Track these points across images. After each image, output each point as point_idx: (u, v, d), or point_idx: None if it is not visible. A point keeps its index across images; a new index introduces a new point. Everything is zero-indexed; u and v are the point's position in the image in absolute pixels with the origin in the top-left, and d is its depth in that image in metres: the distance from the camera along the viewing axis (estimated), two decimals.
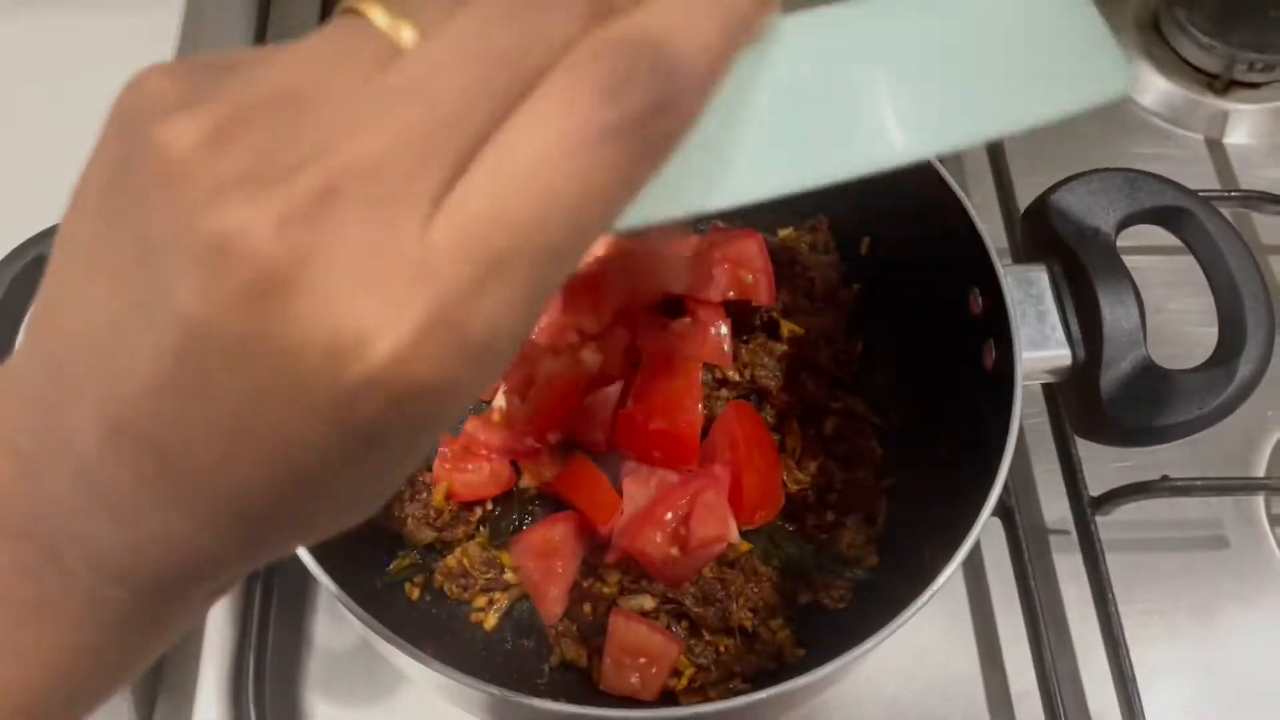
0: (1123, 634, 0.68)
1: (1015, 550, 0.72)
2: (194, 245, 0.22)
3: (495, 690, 0.51)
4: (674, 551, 0.67)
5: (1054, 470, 0.77)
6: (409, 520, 0.70)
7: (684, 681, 0.66)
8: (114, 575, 0.27)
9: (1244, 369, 0.59)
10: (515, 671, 0.67)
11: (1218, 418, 0.59)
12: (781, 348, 0.75)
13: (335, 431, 0.23)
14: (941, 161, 0.65)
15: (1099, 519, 0.73)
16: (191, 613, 0.31)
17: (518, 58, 0.23)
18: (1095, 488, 0.74)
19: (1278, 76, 0.97)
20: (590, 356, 0.72)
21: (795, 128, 0.27)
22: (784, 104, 0.27)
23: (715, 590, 0.68)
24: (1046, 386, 0.78)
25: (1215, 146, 0.96)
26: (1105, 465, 0.78)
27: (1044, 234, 0.64)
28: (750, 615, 0.68)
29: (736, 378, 0.75)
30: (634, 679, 0.64)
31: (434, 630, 0.68)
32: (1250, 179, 0.94)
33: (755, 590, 0.69)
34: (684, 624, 0.68)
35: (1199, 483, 0.74)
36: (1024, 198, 0.70)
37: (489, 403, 0.74)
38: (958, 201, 0.63)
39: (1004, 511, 0.73)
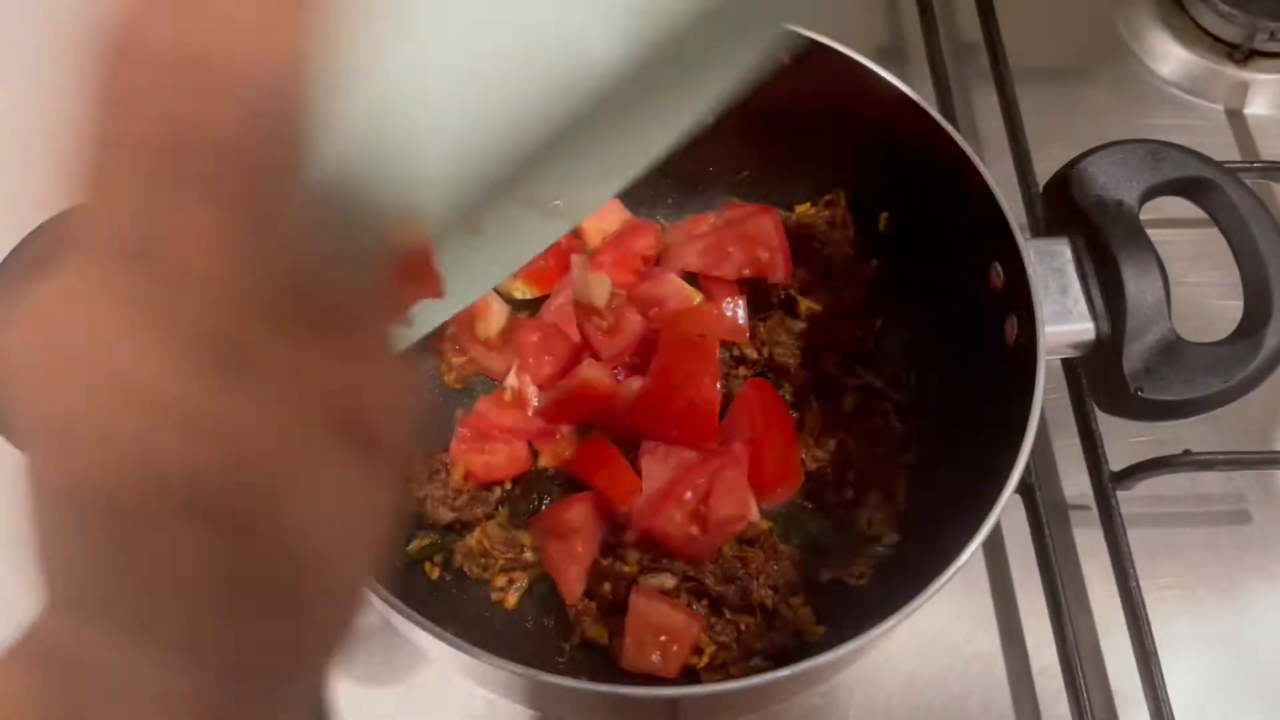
0: (1144, 609, 0.68)
1: (1036, 526, 0.72)
2: None
3: (518, 668, 0.51)
4: (694, 530, 0.66)
5: (1074, 446, 0.77)
6: (428, 501, 0.70)
7: (705, 659, 0.66)
8: None
9: (1270, 341, 0.58)
10: (536, 650, 0.67)
11: (1244, 391, 0.58)
12: (800, 325, 0.74)
13: None
14: (959, 134, 0.64)
15: (1120, 494, 0.73)
16: None
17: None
18: (1116, 463, 0.74)
19: None
20: (631, 386, 0.71)
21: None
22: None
23: (735, 568, 0.68)
24: (1066, 362, 0.78)
25: (1236, 117, 0.95)
26: (1126, 440, 0.77)
27: (1066, 207, 0.63)
28: (771, 593, 0.68)
29: (754, 355, 0.74)
30: (655, 657, 0.64)
31: (454, 610, 0.68)
32: (1272, 150, 0.93)
33: (775, 568, 0.69)
34: (705, 602, 0.68)
35: (1220, 457, 0.73)
36: (1042, 172, 0.69)
37: (501, 382, 0.74)
38: (978, 173, 0.62)
39: (1024, 488, 0.72)
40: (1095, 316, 0.61)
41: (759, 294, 0.76)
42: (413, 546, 0.69)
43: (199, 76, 0.23)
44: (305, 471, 0.25)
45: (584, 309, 0.72)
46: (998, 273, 0.63)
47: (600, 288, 0.72)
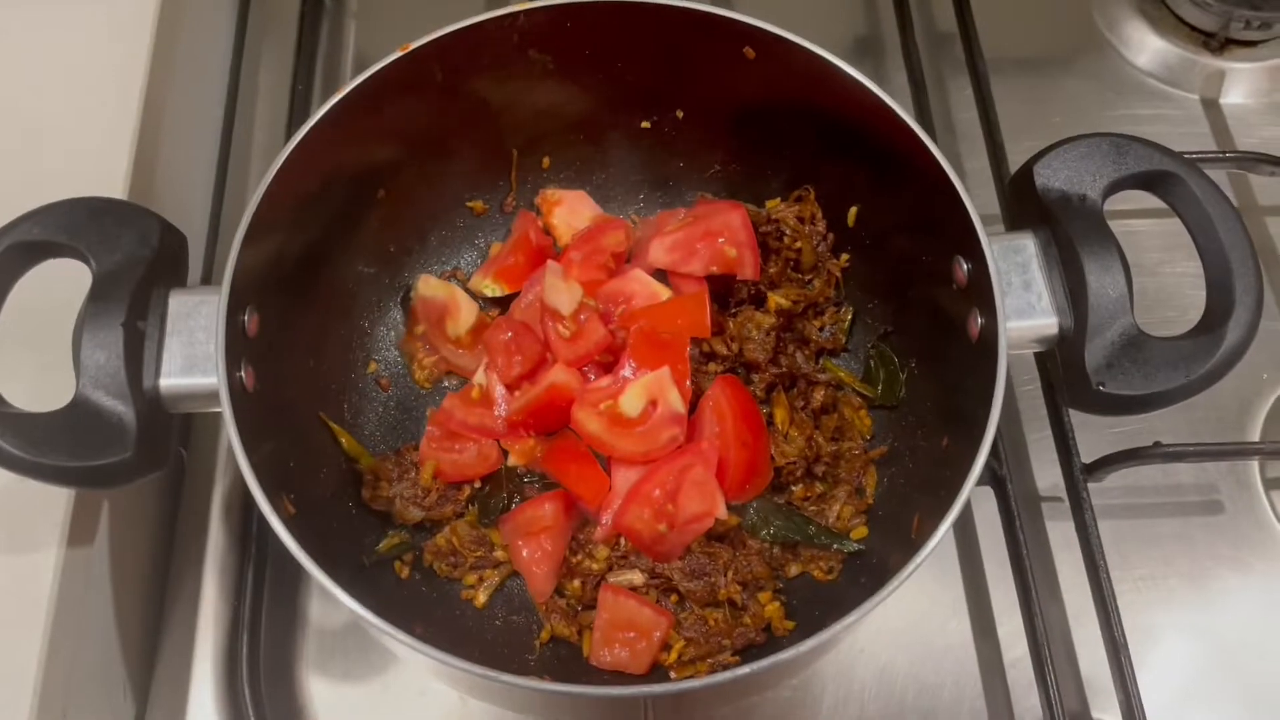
0: (1114, 600, 0.68)
1: (1007, 519, 0.72)
2: None
3: (482, 670, 0.51)
4: (662, 528, 0.67)
5: (1046, 437, 0.77)
6: (397, 500, 0.70)
7: (674, 655, 0.66)
8: None
9: (1232, 335, 0.58)
10: (506, 647, 0.67)
11: (1205, 385, 0.58)
12: (769, 320, 0.74)
13: None
14: (930, 130, 0.64)
15: (1092, 486, 0.73)
16: None
17: None
18: (1088, 455, 0.74)
19: (1275, 34, 0.95)
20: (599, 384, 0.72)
21: None
22: None
23: (704, 564, 0.68)
24: (1039, 355, 0.78)
25: (1212, 107, 0.95)
26: (1098, 432, 0.77)
27: (1030, 202, 0.63)
28: (739, 589, 0.68)
29: (725, 351, 0.74)
30: (624, 653, 0.65)
31: (424, 608, 0.68)
32: (1247, 139, 0.93)
33: (744, 564, 0.69)
34: (673, 598, 0.69)
35: (1192, 448, 0.73)
36: (1017, 164, 0.69)
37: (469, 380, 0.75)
38: (942, 169, 0.62)
39: (996, 480, 0.73)
40: (1058, 311, 0.61)
41: (728, 289, 0.76)
42: (383, 545, 0.69)
43: None
44: None
45: (550, 312, 0.72)
46: (962, 267, 0.63)
47: (570, 296, 0.72)
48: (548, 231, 0.79)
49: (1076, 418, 0.75)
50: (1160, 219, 0.83)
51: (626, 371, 0.70)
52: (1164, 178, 0.62)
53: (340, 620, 0.73)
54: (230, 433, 0.55)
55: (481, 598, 0.69)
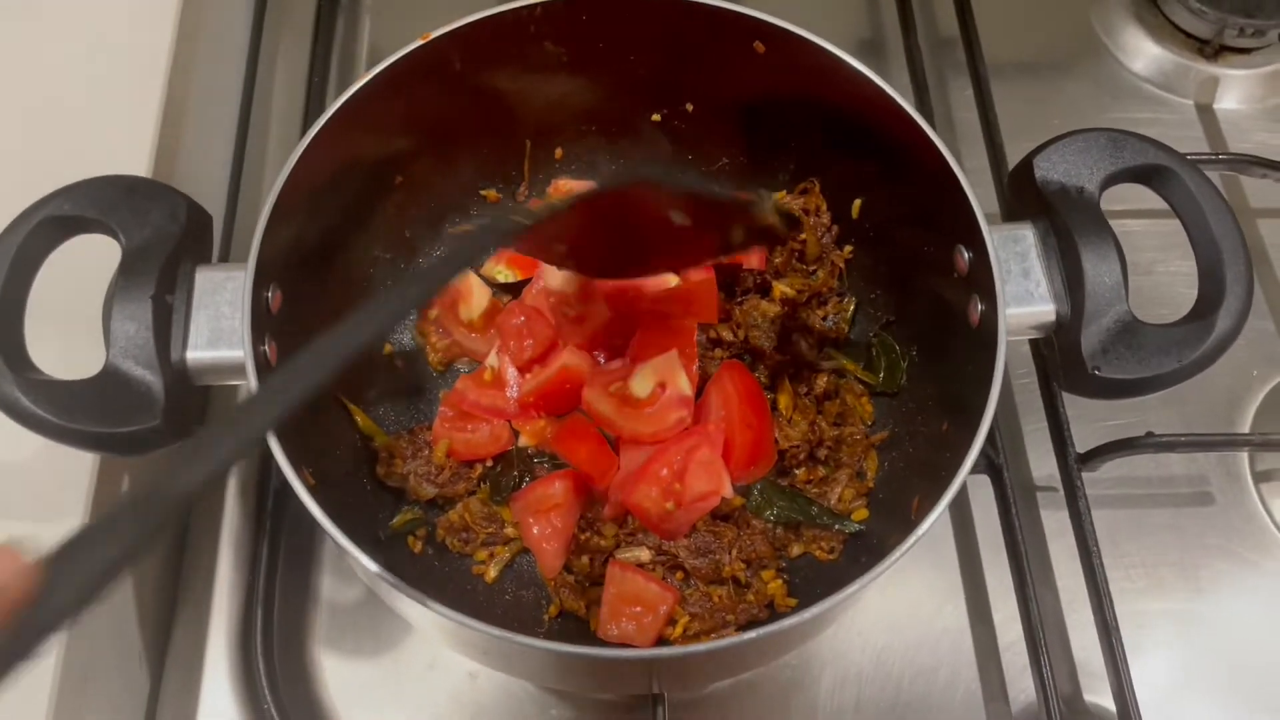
0: (1107, 586, 0.70)
1: (1003, 506, 0.74)
2: None
3: (498, 632, 0.53)
4: (669, 506, 0.68)
5: (1042, 428, 0.79)
6: (410, 477, 0.72)
7: (679, 630, 0.67)
8: None
9: (1223, 322, 0.60)
10: (515, 621, 0.69)
11: (1196, 370, 0.60)
12: (775, 309, 0.76)
13: None
14: (932, 125, 0.66)
15: (1086, 475, 0.75)
16: None
17: None
18: (1082, 445, 0.76)
19: (1268, 41, 0.97)
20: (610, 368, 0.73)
21: None
22: None
23: (709, 543, 0.70)
24: (1035, 346, 0.80)
25: (1205, 112, 0.97)
26: (1093, 424, 0.79)
27: (1030, 194, 0.65)
28: (743, 566, 0.70)
29: (730, 338, 0.76)
30: (630, 626, 0.66)
31: (437, 582, 0.70)
32: (1240, 144, 0.95)
33: (748, 543, 0.71)
34: (679, 575, 0.70)
35: (1183, 439, 0.76)
36: (1015, 161, 0.71)
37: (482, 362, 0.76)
38: (945, 162, 0.64)
39: (992, 469, 0.75)
40: (1056, 298, 0.62)
41: (734, 278, 0.78)
42: (397, 520, 0.71)
43: None
44: None
45: (556, 294, 0.74)
46: (963, 256, 0.65)
47: (569, 277, 0.74)
48: None
49: (1071, 409, 0.77)
50: (1153, 219, 0.86)
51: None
52: (1159, 171, 0.64)
53: (352, 597, 0.75)
54: None
55: (492, 573, 0.71)
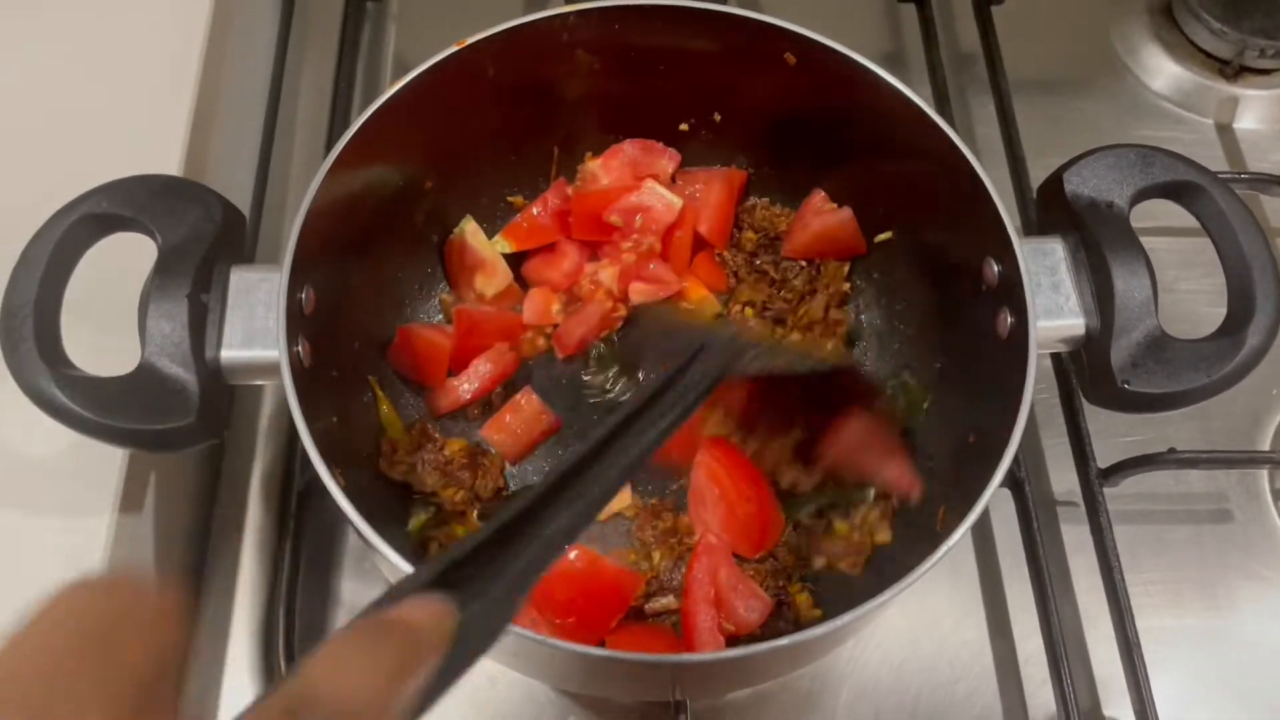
0: (1128, 602, 0.70)
1: (1025, 521, 0.74)
2: None
3: (521, 630, 0.53)
4: (730, 627, 0.69)
5: (1063, 443, 0.79)
6: (418, 464, 0.73)
7: None
8: None
9: (1252, 338, 0.60)
10: None
11: (1226, 385, 0.61)
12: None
13: None
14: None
15: (1107, 491, 0.75)
16: None
17: None
18: (1103, 460, 0.76)
19: None
20: None
21: None
22: None
23: None
24: (1056, 361, 0.80)
25: (1225, 131, 0.98)
26: (1113, 439, 0.80)
27: (1059, 207, 0.65)
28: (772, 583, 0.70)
29: None
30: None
31: None
32: (1259, 164, 0.96)
33: (773, 560, 0.71)
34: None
35: (1204, 456, 0.76)
36: (1037, 178, 0.71)
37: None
38: (975, 174, 0.64)
39: (1014, 483, 0.75)
40: (1085, 312, 0.63)
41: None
42: (412, 525, 0.71)
43: None
44: None
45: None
46: (992, 269, 0.65)
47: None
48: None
49: (1093, 425, 0.77)
50: (1175, 236, 0.86)
51: None
52: (1188, 188, 0.64)
53: (372, 599, 0.74)
54: (292, 403, 0.56)
55: None
